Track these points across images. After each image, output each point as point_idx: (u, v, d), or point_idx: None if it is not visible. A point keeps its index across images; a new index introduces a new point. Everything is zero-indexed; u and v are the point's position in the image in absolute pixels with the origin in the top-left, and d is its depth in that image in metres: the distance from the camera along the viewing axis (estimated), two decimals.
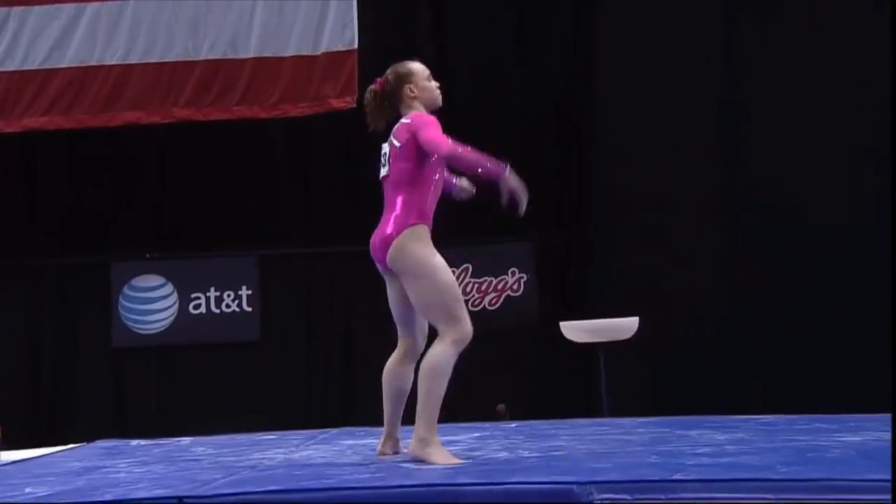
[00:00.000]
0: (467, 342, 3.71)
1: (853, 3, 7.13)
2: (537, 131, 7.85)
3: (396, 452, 3.79)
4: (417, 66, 3.90)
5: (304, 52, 7.24)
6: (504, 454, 3.71)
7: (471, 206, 7.68)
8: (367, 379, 7.66)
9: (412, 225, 3.70)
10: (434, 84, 3.87)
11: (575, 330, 6.35)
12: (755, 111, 7.22)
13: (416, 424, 3.59)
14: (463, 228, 7.81)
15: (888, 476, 2.88)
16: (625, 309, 6.42)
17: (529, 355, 7.61)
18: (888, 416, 4.18)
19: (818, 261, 6.90)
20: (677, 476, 3.01)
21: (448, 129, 8.86)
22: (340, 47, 7.22)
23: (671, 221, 7.14)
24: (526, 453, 3.69)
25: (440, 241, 8.25)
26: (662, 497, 2.86)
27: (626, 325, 6.25)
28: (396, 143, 3.76)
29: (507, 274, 7.69)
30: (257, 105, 7.25)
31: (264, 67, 7.24)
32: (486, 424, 5.06)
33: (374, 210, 7.72)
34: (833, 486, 2.82)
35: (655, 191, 7.19)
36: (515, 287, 7.67)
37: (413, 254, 3.68)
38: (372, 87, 3.94)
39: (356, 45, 7.23)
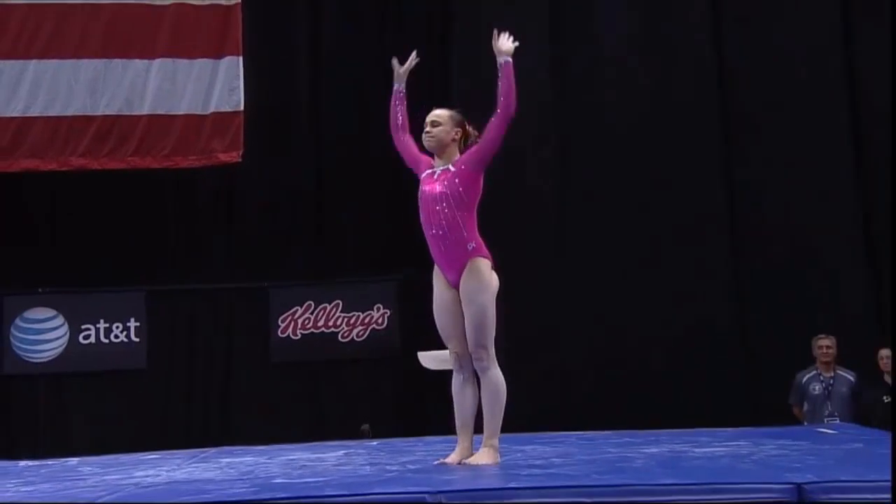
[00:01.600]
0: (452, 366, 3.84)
1: None
2: (402, 186, 7.99)
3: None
4: None
5: (195, 112, 7.15)
6: (368, 468, 3.73)
7: (343, 249, 7.80)
8: (243, 403, 7.61)
9: None
10: (423, 135, 3.82)
11: (430, 359, 6.40)
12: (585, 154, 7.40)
13: None
14: (335, 268, 7.87)
15: (679, 480, 3.10)
16: None
17: (391, 381, 7.66)
18: (680, 430, 4.48)
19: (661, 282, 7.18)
20: (512, 484, 3.14)
21: (317, 187, 8.82)
22: (227, 108, 7.17)
23: (518, 258, 7.30)
24: (387, 467, 3.72)
25: (317, 279, 8.24)
26: (499, 503, 2.98)
27: None
28: None
29: (372, 309, 7.74)
30: (150, 156, 7.09)
31: (158, 124, 7.10)
32: (352, 442, 5.07)
33: (255, 251, 7.75)
34: (635, 490, 3.01)
35: (505, 230, 7.33)
36: (380, 321, 7.73)
37: None
38: None
39: (242, 107, 7.20)
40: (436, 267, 3.81)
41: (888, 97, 7.18)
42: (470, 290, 3.68)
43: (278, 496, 3.09)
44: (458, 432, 3.79)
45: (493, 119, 3.72)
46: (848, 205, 7.34)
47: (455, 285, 3.74)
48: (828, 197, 7.30)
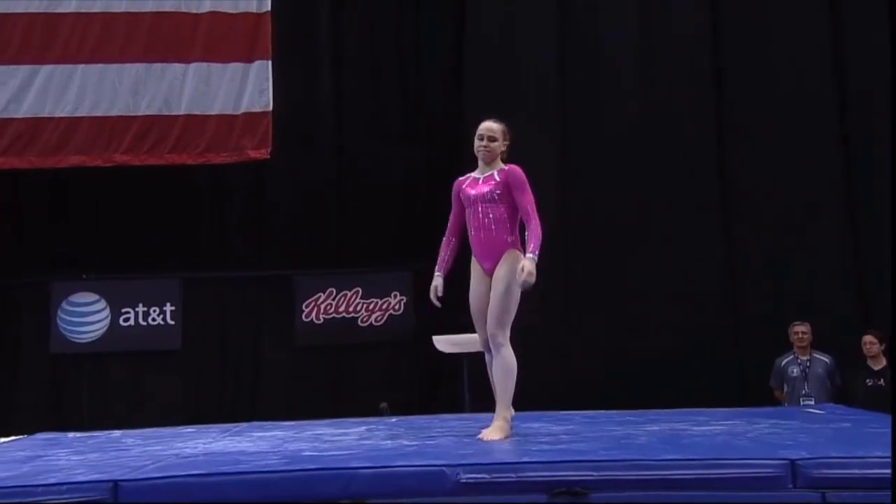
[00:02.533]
0: (482, 349, 3.94)
1: None
2: (417, 181, 7.99)
3: None
4: (481, 124, 3.94)
5: (227, 112, 7.16)
6: (388, 443, 3.73)
7: (363, 239, 7.81)
8: (269, 383, 7.63)
9: None
10: (477, 142, 3.90)
11: (444, 342, 6.42)
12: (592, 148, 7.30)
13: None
14: (355, 257, 7.88)
15: (680, 456, 3.09)
16: None
17: (408, 362, 7.68)
18: (678, 410, 4.46)
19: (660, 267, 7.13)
20: (524, 459, 3.14)
21: (338, 182, 8.81)
22: (257, 109, 7.17)
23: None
24: (406, 442, 3.72)
25: (338, 268, 8.26)
26: (513, 476, 2.97)
27: None
28: None
29: (390, 296, 7.75)
30: (186, 153, 7.09)
31: (193, 123, 7.10)
32: (372, 419, 5.07)
33: (281, 242, 7.77)
34: (640, 464, 3.00)
35: None
36: (397, 307, 7.74)
37: None
38: None
39: (271, 107, 7.20)
40: (473, 259, 3.88)
41: (872, 97, 7.15)
42: (501, 273, 3.76)
43: (308, 467, 3.10)
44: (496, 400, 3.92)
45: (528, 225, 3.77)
46: (834, 199, 7.29)
47: (490, 273, 3.82)
48: (814, 192, 7.26)
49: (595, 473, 2.94)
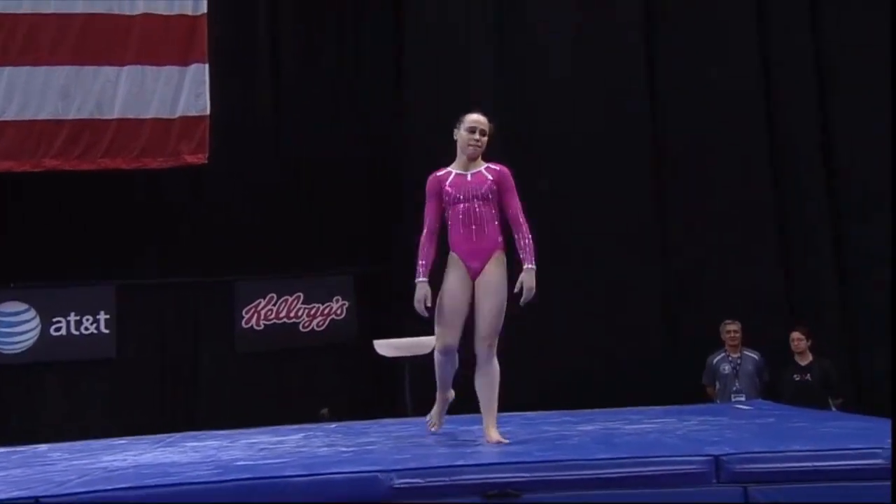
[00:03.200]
0: (439, 352, 3.77)
1: None
2: (358, 185, 7.94)
3: None
4: (468, 116, 3.77)
5: (163, 116, 7.01)
6: (325, 450, 3.69)
7: (304, 244, 7.72)
8: (209, 390, 7.48)
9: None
10: (468, 136, 3.71)
11: (385, 346, 6.39)
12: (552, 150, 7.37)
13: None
14: (297, 262, 7.79)
15: (609, 455, 3.13)
16: (425, 329, 6.53)
17: (349, 367, 7.63)
18: (614, 409, 4.52)
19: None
20: (458, 462, 3.14)
21: (279, 187, 8.66)
22: (194, 113, 7.05)
23: None
24: (342, 448, 3.69)
25: (279, 273, 8.13)
26: (447, 479, 2.97)
27: (426, 343, 6.29)
28: None
29: (332, 301, 7.69)
30: (120, 158, 6.93)
31: (127, 127, 6.94)
32: (311, 426, 5.02)
33: (220, 247, 7.63)
34: (570, 465, 3.03)
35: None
36: (339, 312, 7.68)
37: None
38: None
39: (208, 112, 7.07)
40: (453, 257, 3.71)
41: (800, 120, 7.38)
42: (496, 282, 3.65)
43: (240, 477, 3.05)
44: (439, 391, 3.90)
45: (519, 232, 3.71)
46: (764, 208, 7.48)
47: (476, 274, 3.68)
48: (744, 191, 7.44)
49: (528, 475, 2.96)
